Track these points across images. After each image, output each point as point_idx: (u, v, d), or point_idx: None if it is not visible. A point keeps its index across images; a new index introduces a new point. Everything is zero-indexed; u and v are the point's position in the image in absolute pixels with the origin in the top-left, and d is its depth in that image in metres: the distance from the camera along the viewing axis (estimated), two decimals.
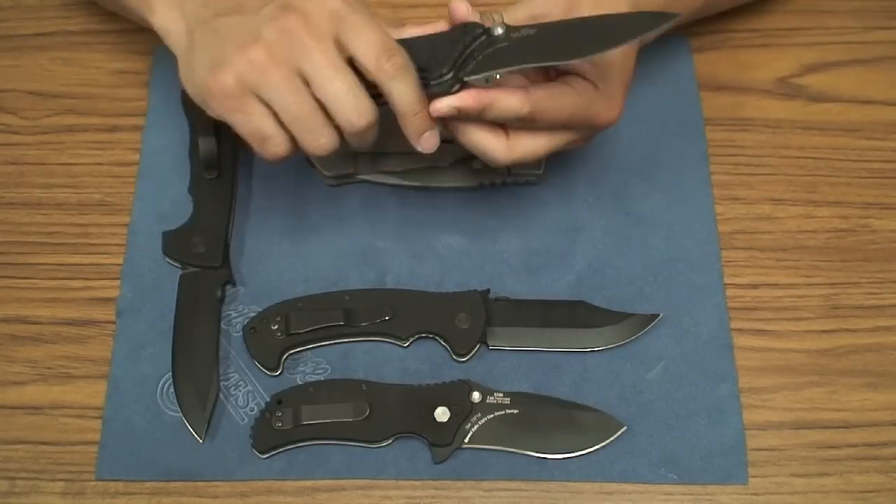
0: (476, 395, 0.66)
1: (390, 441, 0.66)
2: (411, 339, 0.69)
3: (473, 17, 0.60)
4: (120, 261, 0.72)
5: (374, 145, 0.62)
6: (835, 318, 0.70)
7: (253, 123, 0.59)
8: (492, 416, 0.66)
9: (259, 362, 0.68)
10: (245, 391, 0.68)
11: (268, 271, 0.72)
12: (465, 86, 0.59)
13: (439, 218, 0.73)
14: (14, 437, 0.67)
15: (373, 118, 0.59)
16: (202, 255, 0.70)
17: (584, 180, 0.74)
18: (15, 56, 0.80)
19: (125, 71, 0.79)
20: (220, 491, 0.65)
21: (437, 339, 0.69)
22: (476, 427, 0.66)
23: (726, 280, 0.71)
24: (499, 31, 0.59)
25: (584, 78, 0.62)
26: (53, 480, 0.65)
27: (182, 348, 0.68)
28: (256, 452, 0.65)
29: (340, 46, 0.58)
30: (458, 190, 0.74)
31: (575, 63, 0.62)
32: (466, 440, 0.65)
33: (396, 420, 0.66)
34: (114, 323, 0.70)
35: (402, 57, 0.58)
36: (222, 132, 0.71)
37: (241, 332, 0.69)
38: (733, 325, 0.70)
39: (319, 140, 0.59)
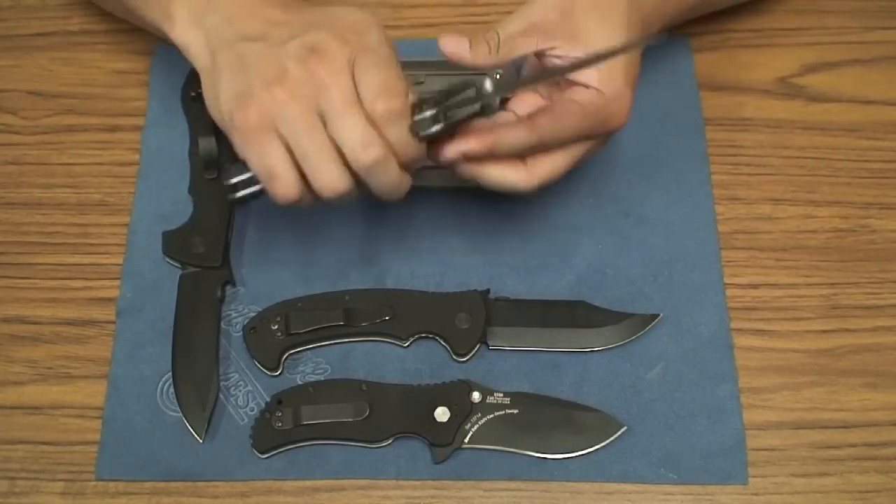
0: (476, 395, 0.66)
1: (390, 441, 0.66)
2: (411, 339, 0.69)
3: (462, 45, 0.61)
4: (120, 261, 0.72)
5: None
6: (835, 318, 0.70)
7: (266, 158, 0.58)
8: (492, 416, 0.66)
9: (259, 362, 0.68)
10: (245, 391, 0.68)
11: (268, 271, 0.72)
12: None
13: (439, 218, 0.73)
14: (14, 437, 0.67)
15: (380, 153, 0.58)
16: (202, 255, 0.70)
17: (584, 180, 0.74)
18: (15, 56, 0.80)
19: (125, 71, 0.79)
20: (220, 491, 0.65)
21: (437, 339, 0.69)
22: (476, 427, 0.66)
23: (726, 280, 0.71)
24: (488, 86, 0.58)
25: (588, 86, 0.61)
26: (53, 480, 0.65)
27: (182, 348, 0.68)
28: (256, 452, 0.65)
29: (355, 82, 0.58)
30: (457, 190, 0.74)
31: (576, 73, 0.61)
32: (466, 440, 0.65)
33: (396, 420, 0.66)
34: (114, 323, 0.70)
35: (398, 101, 0.58)
36: (222, 132, 0.71)
37: (241, 332, 0.69)
38: (733, 325, 0.70)
39: (328, 177, 0.58)
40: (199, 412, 0.66)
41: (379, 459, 0.66)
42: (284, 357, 0.68)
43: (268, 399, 0.67)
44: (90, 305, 0.71)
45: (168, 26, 0.63)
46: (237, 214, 0.73)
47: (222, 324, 0.70)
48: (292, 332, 0.68)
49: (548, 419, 0.66)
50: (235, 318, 0.70)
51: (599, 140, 0.64)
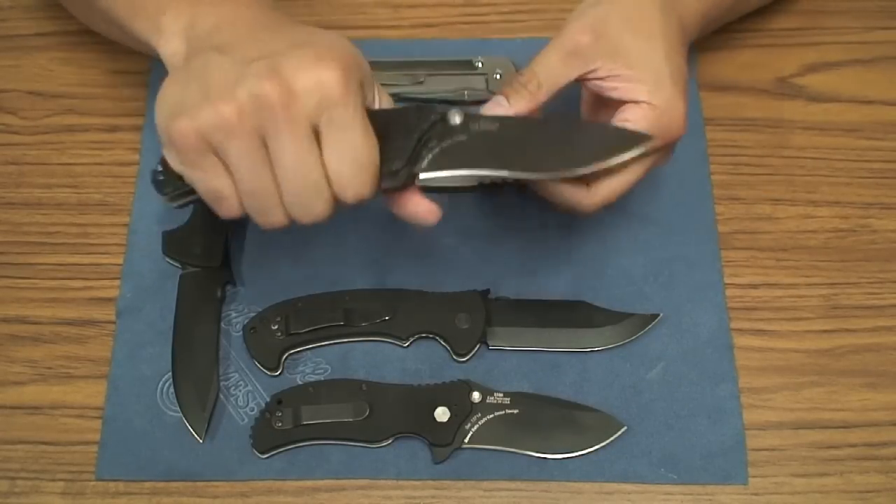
0: (476, 395, 0.66)
1: (390, 441, 0.66)
2: (411, 339, 0.69)
3: (500, 106, 0.60)
4: (120, 261, 0.72)
5: None
6: (834, 318, 0.70)
7: (210, 182, 0.55)
8: (492, 416, 0.66)
9: (259, 362, 0.68)
10: (245, 391, 0.68)
11: (268, 271, 0.72)
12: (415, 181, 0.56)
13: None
14: (14, 437, 0.67)
15: (328, 213, 0.55)
16: (202, 255, 0.70)
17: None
18: (15, 56, 0.80)
19: (125, 71, 0.79)
20: (220, 491, 0.65)
21: (437, 339, 0.69)
22: (476, 427, 0.66)
23: (726, 280, 0.71)
24: (456, 119, 0.56)
25: (638, 101, 0.60)
26: (53, 480, 0.65)
27: (182, 348, 0.68)
28: (256, 452, 0.65)
29: (316, 135, 0.53)
30: (457, 190, 0.74)
31: (621, 90, 0.60)
32: (466, 440, 0.66)
33: (396, 420, 0.66)
34: (114, 323, 0.70)
35: (365, 177, 0.54)
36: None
37: (241, 332, 0.69)
38: (733, 325, 0.70)
39: (270, 220, 0.56)
40: (199, 412, 0.66)
41: (379, 459, 0.66)
42: (284, 357, 0.68)
43: (268, 399, 0.67)
44: (90, 305, 0.71)
45: (156, 38, 0.60)
46: None
47: (222, 324, 0.70)
48: (292, 332, 0.68)
49: (548, 419, 0.66)
50: (235, 318, 0.70)
51: (661, 153, 0.63)
